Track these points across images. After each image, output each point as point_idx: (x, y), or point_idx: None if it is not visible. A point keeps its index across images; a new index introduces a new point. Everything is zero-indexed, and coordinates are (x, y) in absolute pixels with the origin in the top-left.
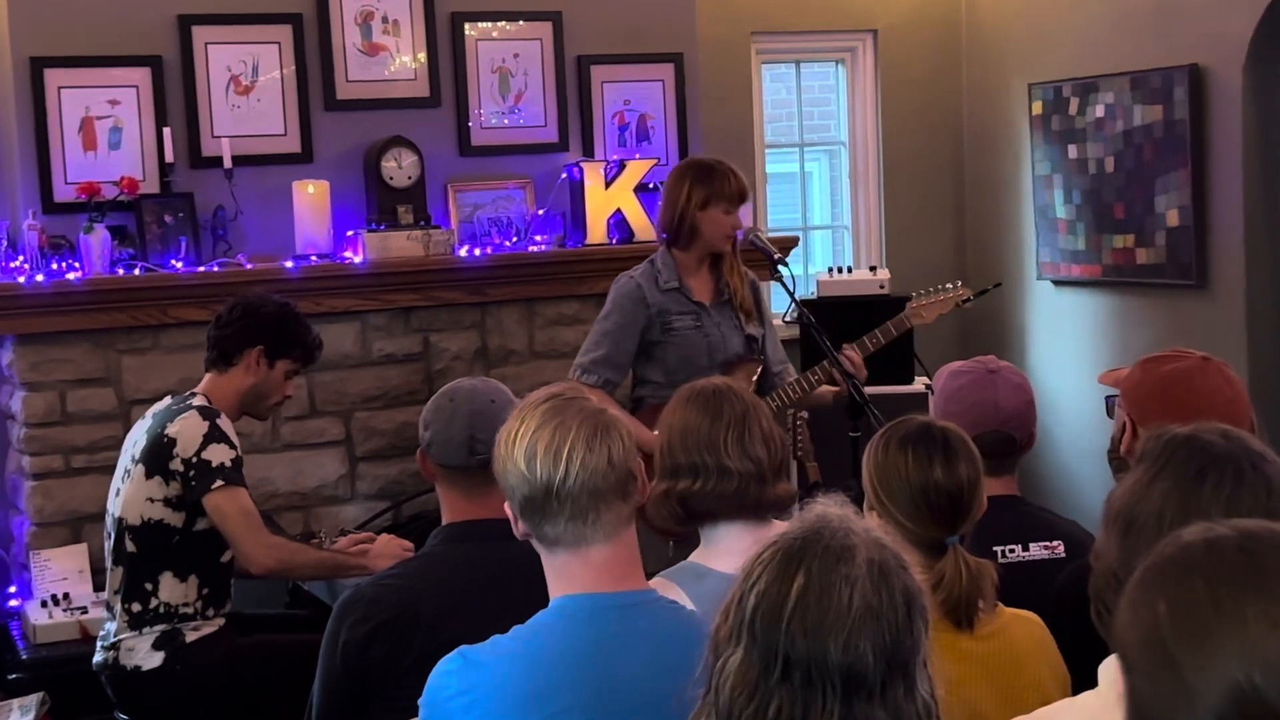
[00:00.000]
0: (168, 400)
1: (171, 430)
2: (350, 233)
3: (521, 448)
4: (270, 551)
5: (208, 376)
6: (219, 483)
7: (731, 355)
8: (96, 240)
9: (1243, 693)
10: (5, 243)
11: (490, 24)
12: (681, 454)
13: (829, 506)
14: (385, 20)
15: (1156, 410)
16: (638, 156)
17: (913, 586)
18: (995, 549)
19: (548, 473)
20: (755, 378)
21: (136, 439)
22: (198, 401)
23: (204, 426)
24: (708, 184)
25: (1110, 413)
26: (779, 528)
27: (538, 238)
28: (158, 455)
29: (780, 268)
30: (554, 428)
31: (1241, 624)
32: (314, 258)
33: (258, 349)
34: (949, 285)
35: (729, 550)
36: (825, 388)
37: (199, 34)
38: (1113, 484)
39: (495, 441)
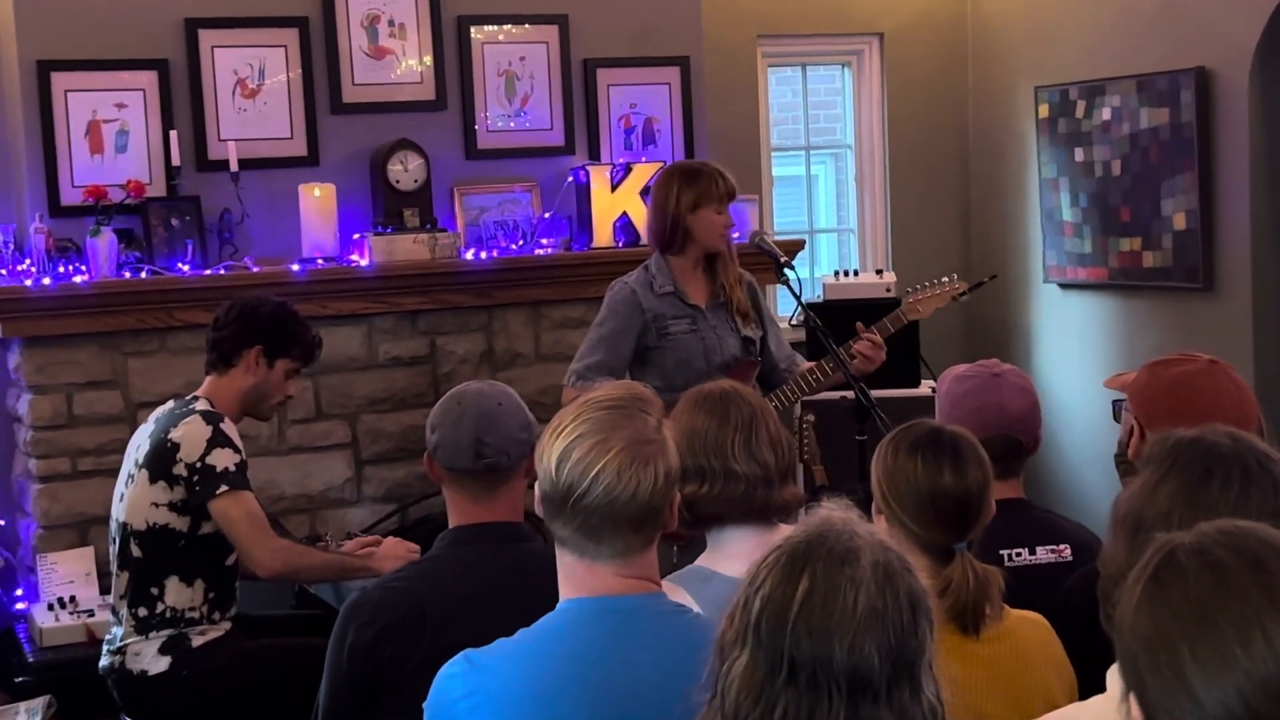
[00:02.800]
0: (171, 404)
1: (175, 435)
2: (356, 236)
3: (559, 446)
4: (277, 555)
5: (208, 379)
6: (224, 488)
7: (729, 357)
8: (103, 243)
9: (1249, 692)
10: (12, 246)
11: (496, 27)
12: (688, 457)
13: (833, 510)
14: (391, 23)
15: (1164, 413)
16: (644, 160)
17: (917, 589)
18: (1001, 552)
19: (571, 482)
20: (753, 378)
21: (140, 443)
22: (200, 405)
23: (207, 431)
24: (695, 186)
25: (1117, 417)
26: (785, 531)
27: (544, 241)
28: (161, 460)
29: (786, 271)
30: (595, 442)
31: (1246, 625)
32: (320, 261)
33: (256, 349)
34: (944, 279)
35: (735, 554)
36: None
37: (205, 37)
38: (1119, 487)
39: (548, 426)
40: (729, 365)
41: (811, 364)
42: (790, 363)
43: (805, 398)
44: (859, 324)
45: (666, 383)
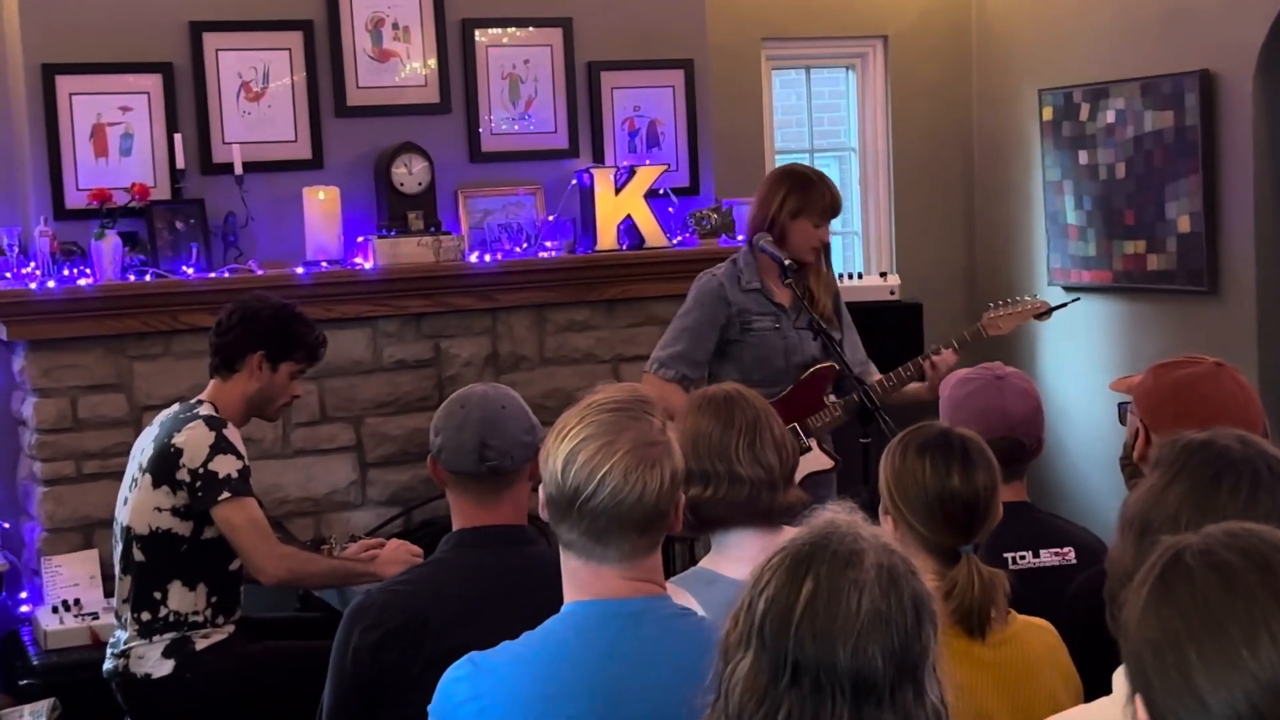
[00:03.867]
0: (175, 408)
1: (178, 440)
2: (361, 239)
3: (565, 449)
4: (281, 562)
5: (212, 383)
6: (226, 494)
7: (808, 358)
8: (108, 246)
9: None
10: (17, 249)
11: (500, 30)
12: (693, 461)
13: (837, 513)
14: (396, 26)
15: (1169, 416)
16: (648, 162)
17: (921, 591)
18: (1005, 555)
19: (577, 485)
20: (832, 380)
21: (144, 447)
22: (204, 410)
23: (210, 437)
24: (802, 194)
25: (1123, 419)
26: (790, 534)
27: (548, 244)
28: (165, 465)
29: (789, 274)
30: (601, 444)
31: (1253, 627)
32: (325, 264)
33: (259, 354)
34: (1027, 297)
35: (739, 556)
36: (915, 384)
37: (210, 40)
38: (1124, 491)
39: (553, 428)
40: (807, 365)
41: (881, 376)
42: (863, 370)
43: (889, 398)
44: (933, 346)
45: (744, 377)
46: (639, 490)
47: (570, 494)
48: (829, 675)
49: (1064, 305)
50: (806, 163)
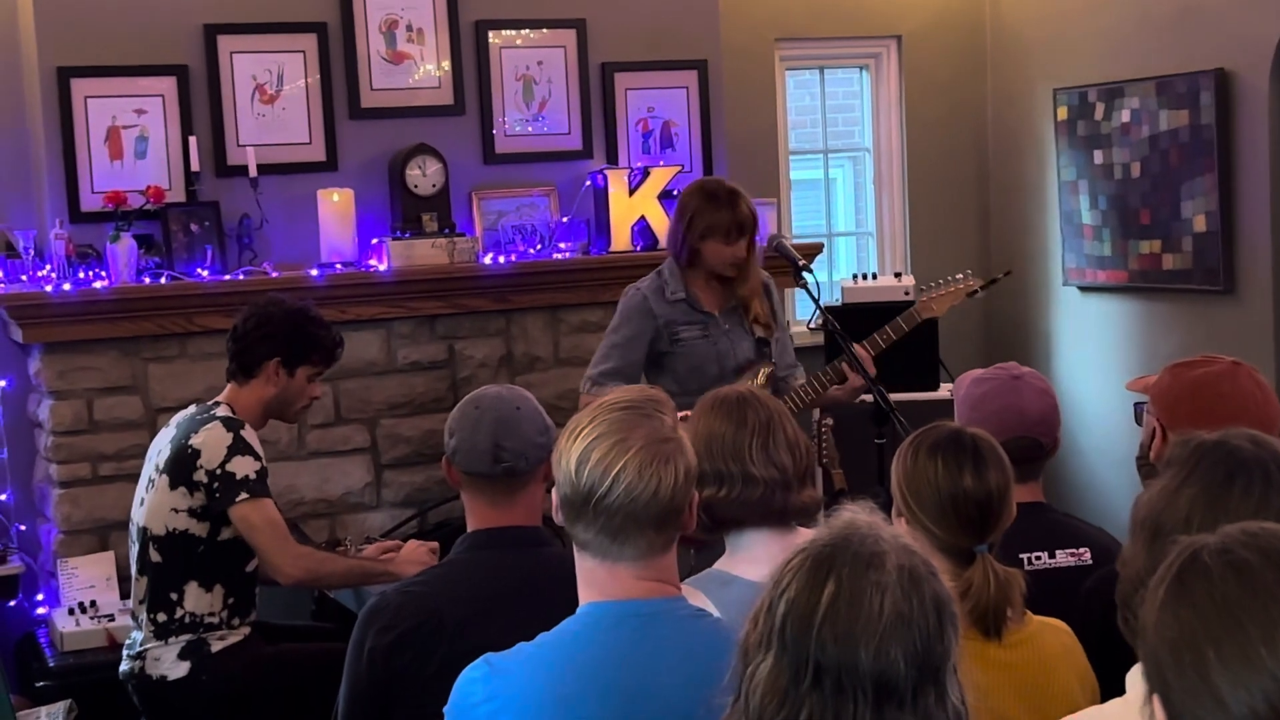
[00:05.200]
0: (192, 409)
1: (195, 441)
2: (375, 241)
3: (578, 448)
4: (298, 562)
5: (229, 387)
6: (244, 495)
7: (742, 361)
8: (123, 249)
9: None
10: (33, 252)
11: (514, 32)
12: (706, 462)
13: (857, 513)
14: (409, 28)
15: (1186, 415)
16: (662, 163)
17: (942, 593)
18: (1021, 556)
19: (592, 483)
20: (767, 376)
21: (160, 448)
22: (222, 412)
23: (228, 438)
24: (706, 215)
25: (1139, 419)
26: (804, 535)
27: (562, 245)
28: (181, 466)
29: (805, 274)
30: (614, 442)
31: (1271, 625)
32: (339, 266)
33: (275, 360)
34: (958, 276)
35: (754, 557)
36: (835, 389)
37: (224, 43)
38: (1139, 490)
39: (565, 430)
40: (742, 369)
41: (803, 379)
42: (790, 372)
43: (797, 411)
44: (857, 345)
45: (681, 387)
46: (654, 486)
47: (585, 493)
48: (850, 677)
49: (995, 280)
50: (819, 163)
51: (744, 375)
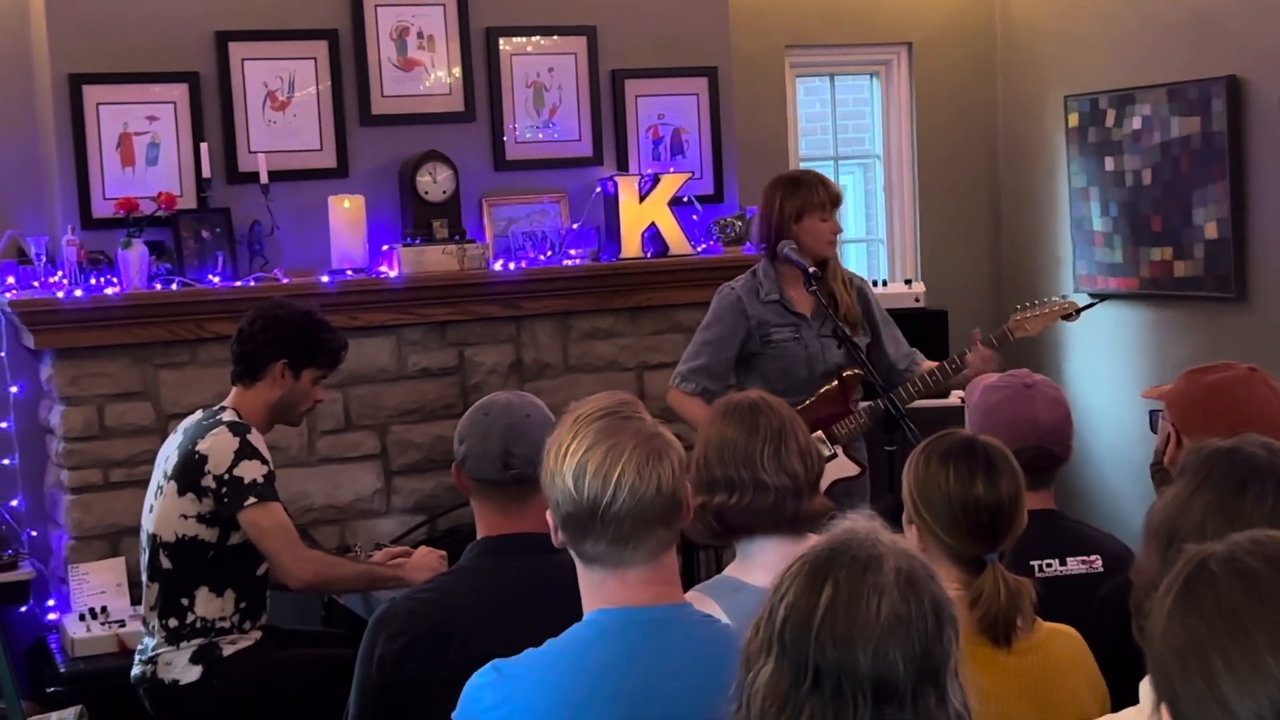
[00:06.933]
0: (198, 415)
1: (202, 447)
2: (386, 247)
3: (571, 465)
4: (308, 565)
5: (235, 390)
6: (252, 500)
7: (832, 365)
8: (134, 255)
9: None
10: (45, 258)
11: (524, 39)
12: (718, 468)
13: (856, 520)
14: (420, 35)
15: (1201, 420)
16: (672, 170)
17: (941, 596)
18: (1033, 563)
19: (594, 494)
20: (858, 386)
21: (169, 454)
22: (228, 416)
23: (235, 443)
24: (797, 195)
25: (1154, 427)
26: (814, 542)
27: (572, 252)
28: (190, 472)
29: (814, 282)
30: (607, 449)
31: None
32: (350, 272)
33: (281, 363)
34: (1055, 299)
35: (765, 564)
36: (972, 364)
37: (236, 50)
38: (1152, 498)
39: (544, 450)
40: (831, 374)
41: (933, 364)
42: (910, 361)
43: (924, 398)
44: (976, 330)
45: (769, 388)
46: (655, 483)
47: (590, 505)
48: (850, 680)
49: (1091, 305)
50: (829, 170)
51: (832, 379)
